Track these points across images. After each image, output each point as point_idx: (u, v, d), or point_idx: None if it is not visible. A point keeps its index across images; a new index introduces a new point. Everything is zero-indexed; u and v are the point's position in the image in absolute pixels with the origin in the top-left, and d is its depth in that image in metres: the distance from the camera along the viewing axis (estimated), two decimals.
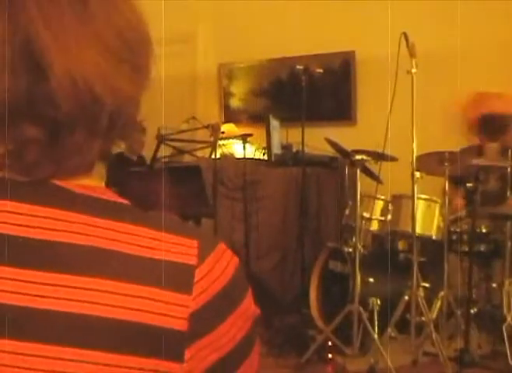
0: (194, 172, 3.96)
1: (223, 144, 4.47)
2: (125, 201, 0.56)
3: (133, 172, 4.22)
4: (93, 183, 0.56)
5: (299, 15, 4.87)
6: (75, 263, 0.51)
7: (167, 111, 5.15)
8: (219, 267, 0.54)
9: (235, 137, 4.46)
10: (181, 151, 4.34)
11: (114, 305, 0.50)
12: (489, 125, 3.61)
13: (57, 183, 0.54)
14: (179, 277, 0.52)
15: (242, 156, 4.03)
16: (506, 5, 4.25)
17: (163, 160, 4.21)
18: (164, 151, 4.24)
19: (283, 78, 5.10)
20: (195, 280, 0.52)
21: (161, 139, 4.02)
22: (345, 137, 3.98)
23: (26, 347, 0.49)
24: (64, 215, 0.52)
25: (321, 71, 4.36)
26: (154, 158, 4.10)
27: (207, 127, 3.94)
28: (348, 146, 3.59)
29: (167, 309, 0.51)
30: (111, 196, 0.56)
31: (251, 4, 4.93)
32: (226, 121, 5.25)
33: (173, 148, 4.26)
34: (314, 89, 4.68)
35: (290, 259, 4.06)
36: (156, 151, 4.07)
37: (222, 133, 4.07)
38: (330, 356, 3.07)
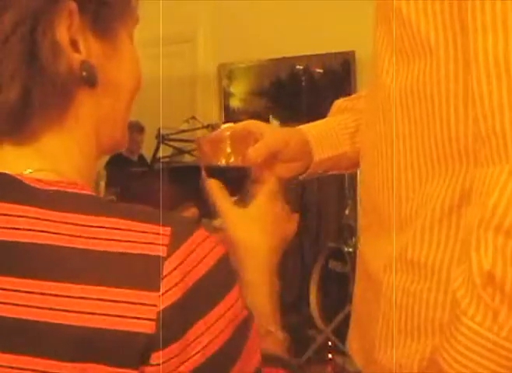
0: (194, 172, 3.96)
1: None
2: (86, 191, 0.50)
3: (133, 172, 4.22)
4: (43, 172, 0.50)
5: (299, 15, 4.87)
6: (25, 264, 0.45)
7: (167, 111, 5.16)
8: (196, 257, 0.46)
9: None
10: (181, 151, 4.34)
11: (69, 310, 0.44)
12: None
13: (12, 175, 0.49)
14: (144, 272, 0.44)
15: None
16: None
17: (162, 160, 4.22)
18: (164, 151, 4.25)
19: (283, 78, 5.10)
20: (164, 273, 0.44)
21: (161, 139, 4.02)
22: None
23: None
24: (15, 210, 0.47)
25: (321, 71, 4.36)
26: (154, 158, 4.10)
27: (207, 127, 3.94)
28: None
29: (131, 310, 0.44)
30: (70, 186, 0.50)
31: (251, 4, 4.93)
32: (226, 121, 5.24)
33: (173, 148, 4.26)
34: (314, 89, 4.68)
35: (290, 259, 4.06)
36: (156, 151, 4.07)
37: None
38: (330, 356, 3.06)
